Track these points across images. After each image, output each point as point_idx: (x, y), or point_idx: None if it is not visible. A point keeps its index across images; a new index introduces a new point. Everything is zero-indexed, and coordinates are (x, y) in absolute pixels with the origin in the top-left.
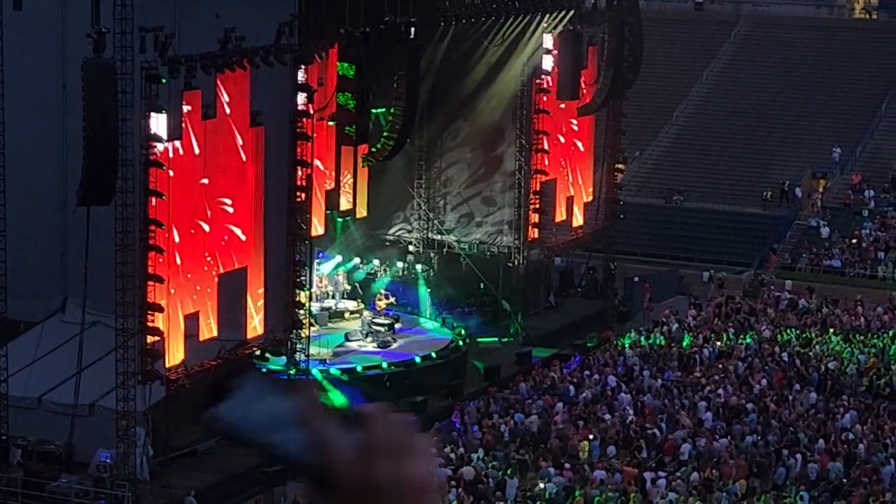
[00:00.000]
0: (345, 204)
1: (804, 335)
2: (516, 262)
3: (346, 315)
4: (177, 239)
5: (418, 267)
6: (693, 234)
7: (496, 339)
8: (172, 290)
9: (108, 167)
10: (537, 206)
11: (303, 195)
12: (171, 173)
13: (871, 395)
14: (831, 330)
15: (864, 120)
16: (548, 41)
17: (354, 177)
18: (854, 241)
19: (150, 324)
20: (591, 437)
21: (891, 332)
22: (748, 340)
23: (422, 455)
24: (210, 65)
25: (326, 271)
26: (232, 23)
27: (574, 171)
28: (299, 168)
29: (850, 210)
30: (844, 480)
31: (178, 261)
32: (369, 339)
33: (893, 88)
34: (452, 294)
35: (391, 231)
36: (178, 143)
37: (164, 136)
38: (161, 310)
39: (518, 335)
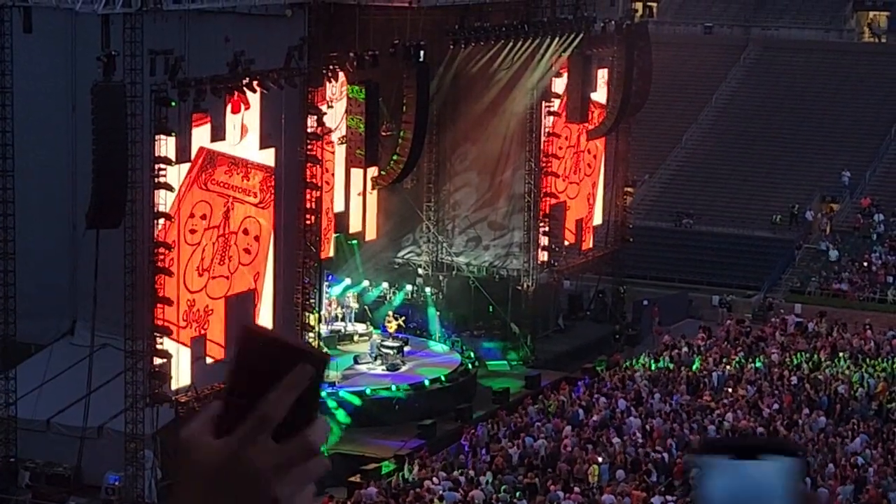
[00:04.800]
0: (354, 226)
1: (814, 359)
2: (525, 285)
3: (356, 338)
4: (185, 261)
5: (427, 290)
6: (702, 257)
7: (505, 362)
8: (180, 313)
9: (117, 190)
10: (546, 229)
11: (312, 218)
12: (179, 196)
13: (881, 420)
14: (841, 354)
15: (873, 143)
16: (558, 64)
17: (364, 199)
18: (864, 264)
19: (158, 346)
20: (600, 460)
21: None
22: (758, 364)
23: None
24: (220, 87)
25: (336, 294)
26: (241, 46)
27: (583, 194)
28: (308, 190)
29: (859, 234)
30: None
31: (186, 283)
32: (378, 361)
33: None
34: (462, 317)
35: (400, 254)
36: (186, 166)
37: (173, 159)
38: (169, 332)
39: (528, 358)
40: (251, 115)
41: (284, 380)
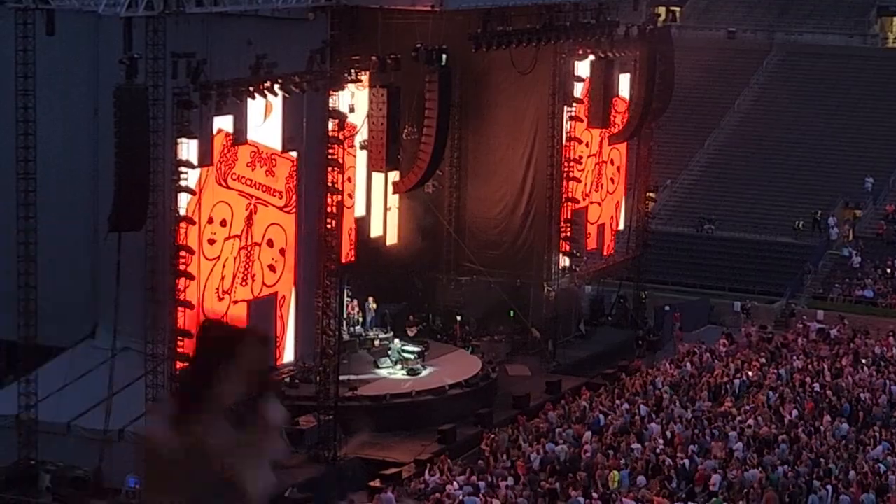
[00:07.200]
0: (375, 231)
1: (836, 366)
2: (546, 290)
3: (376, 342)
4: (207, 265)
5: (447, 294)
6: (724, 263)
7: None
8: (202, 316)
9: (139, 193)
10: (568, 234)
11: (333, 222)
12: (201, 199)
13: None
14: (863, 361)
15: None
16: (579, 68)
17: (385, 204)
18: (887, 271)
19: (179, 350)
20: (621, 466)
21: None
22: (780, 371)
23: None
24: (242, 90)
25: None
26: (264, 49)
27: (605, 200)
28: (329, 195)
29: (882, 240)
30: None
31: (208, 287)
32: (399, 366)
33: None
34: (482, 321)
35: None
36: (208, 169)
37: (195, 162)
38: (191, 336)
39: (550, 363)
40: (273, 119)
41: (229, 364)
